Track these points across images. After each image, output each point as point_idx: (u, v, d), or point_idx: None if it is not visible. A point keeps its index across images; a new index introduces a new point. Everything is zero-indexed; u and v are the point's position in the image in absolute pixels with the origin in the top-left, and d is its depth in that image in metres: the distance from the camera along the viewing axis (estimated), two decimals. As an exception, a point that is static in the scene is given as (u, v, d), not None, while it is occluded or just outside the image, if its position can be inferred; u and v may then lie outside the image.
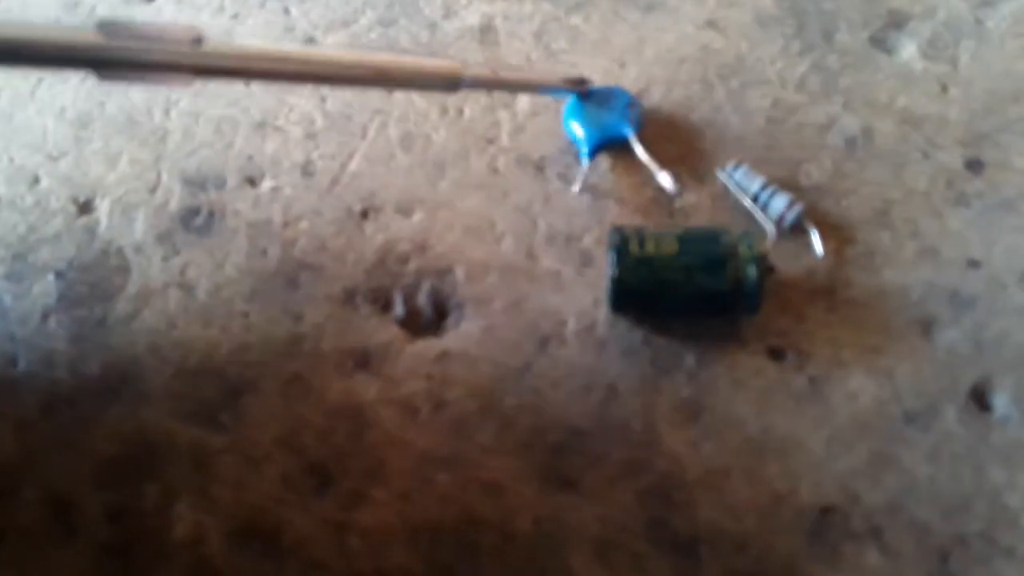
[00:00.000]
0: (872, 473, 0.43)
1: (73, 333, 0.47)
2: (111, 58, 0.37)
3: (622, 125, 0.52)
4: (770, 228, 0.49)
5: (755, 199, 0.50)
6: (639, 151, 0.51)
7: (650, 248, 0.45)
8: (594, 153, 0.52)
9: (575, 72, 0.56)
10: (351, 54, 0.45)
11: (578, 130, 0.52)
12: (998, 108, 0.54)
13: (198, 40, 0.39)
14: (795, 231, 0.50)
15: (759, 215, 0.50)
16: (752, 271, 0.44)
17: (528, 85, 0.53)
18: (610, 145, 0.53)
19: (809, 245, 0.49)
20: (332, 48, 0.45)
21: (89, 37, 0.36)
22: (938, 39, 0.58)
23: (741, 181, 0.51)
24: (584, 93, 0.53)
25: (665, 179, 0.50)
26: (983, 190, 0.51)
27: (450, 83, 0.46)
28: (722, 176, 0.52)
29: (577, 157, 0.53)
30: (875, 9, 0.59)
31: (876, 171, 0.52)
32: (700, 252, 0.44)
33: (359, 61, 0.44)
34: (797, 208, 0.49)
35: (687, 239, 0.45)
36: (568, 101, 0.54)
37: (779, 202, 0.49)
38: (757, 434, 0.44)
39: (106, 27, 0.36)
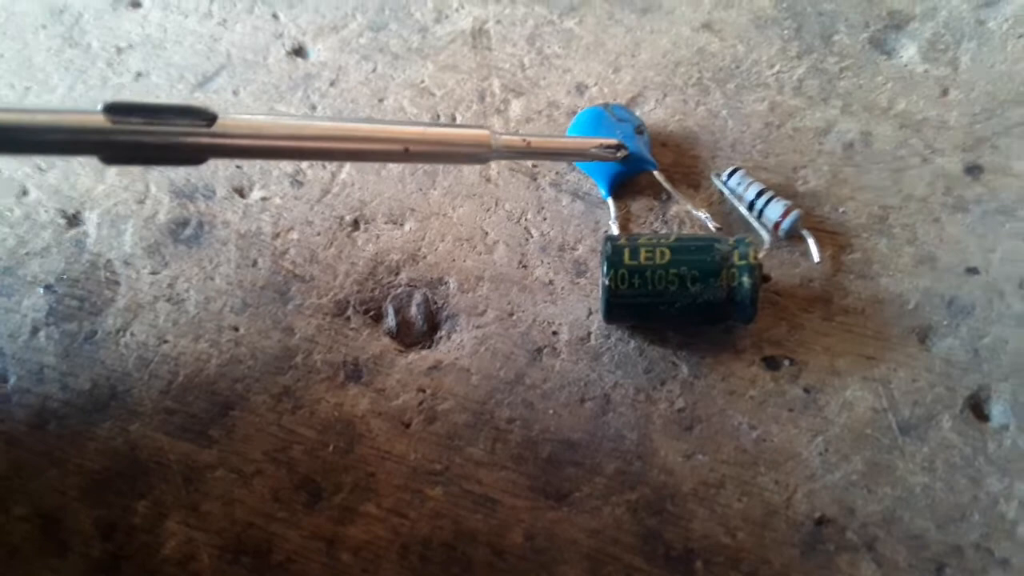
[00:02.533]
0: (867, 484, 0.42)
1: (63, 347, 0.47)
2: (118, 143, 0.35)
3: (643, 160, 0.51)
4: (766, 235, 0.49)
5: (751, 206, 0.50)
6: (667, 185, 0.50)
7: (643, 257, 0.44)
8: (615, 187, 0.51)
9: (574, 80, 0.55)
10: (375, 128, 0.41)
11: (587, 170, 0.52)
12: (998, 111, 0.54)
13: (210, 119, 0.36)
14: (792, 238, 0.49)
15: (755, 222, 0.49)
16: (746, 280, 0.43)
17: (562, 153, 0.50)
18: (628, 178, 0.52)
19: (806, 252, 0.48)
20: (355, 121, 0.40)
21: (95, 122, 0.34)
22: (939, 40, 0.57)
23: (736, 187, 0.50)
24: (624, 159, 0.50)
25: (703, 216, 0.49)
26: (982, 195, 0.51)
27: (479, 153, 0.43)
28: (717, 182, 0.51)
29: (571, 166, 0.52)
30: (875, 10, 0.59)
31: (874, 176, 0.52)
32: (693, 261, 0.44)
33: (384, 135, 0.41)
34: (794, 215, 0.49)
35: (680, 248, 0.44)
36: (572, 125, 0.53)
37: (775, 209, 0.49)
38: (751, 445, 0.43)
39: (113, 109, 0.34)
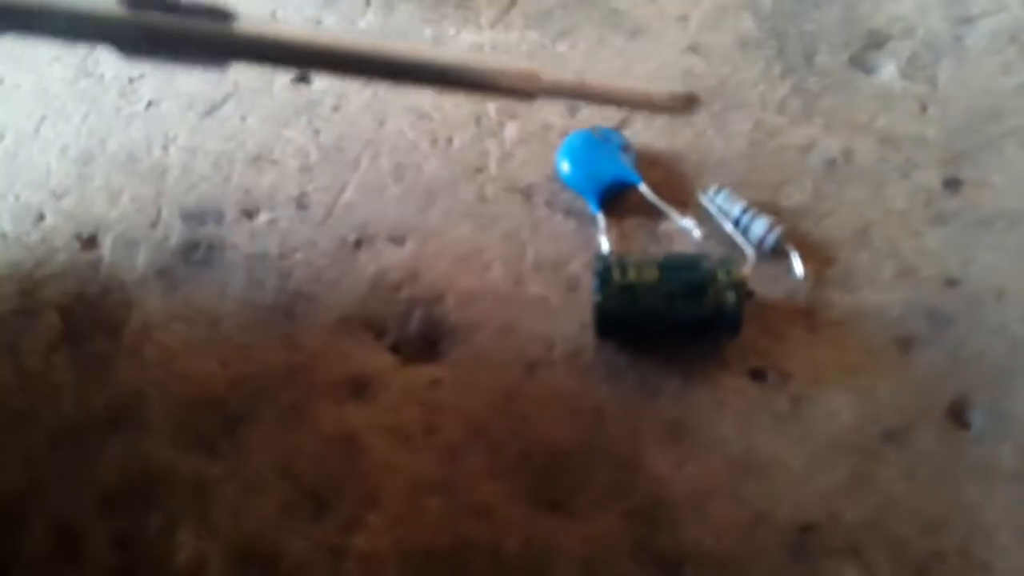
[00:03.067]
0: (851, 491, 0.44)
1: (79, 367, 0.49)
2: (135, 30, 0.34)
3: (626, 173, 0.53)
4: (750, 252, 0.50)
5: (736, 223, 0.51)
6: (652, 198, 0.52)
7: (632, 276, 0.46)
8: (602, 203, 0.53)
9: (566, 102, 0.57)
10: (408, 48, 0.38)
11: (578, 180, 0.53)
12: (976, 126, 0.55)
13: (230, 17, 0.35)
14: (776, 253, 0.51)
15: (740, 239, 0.51)
16: (731, 296, 0.45)
17: (617, 98, 0.41)
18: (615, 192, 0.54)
19: (789, 267, 0.50)
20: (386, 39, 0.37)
21: (113, 9, 0.33)
22: (917, 58, 0.59)
23: (723, 205, 0.52)
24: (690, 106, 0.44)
25: (688, 224, 0.51)
26: (961, 208, 0.52)
27: (528, 87, 0.39)
28: (704, 200, 0.53)
29: (564, 185, 0.54)
30: (855, 29, 0.61)
31: (855, 191, 0.53)
32: (680, 279, 0.46)
33: (417, 58, 0.38)
34: (777, 231, 0.50)
35: (668, 266, 0.46)
36: (563, 148, 0.55)
37: (759, 225, 0.51)
38: (739, 454, 0.45)
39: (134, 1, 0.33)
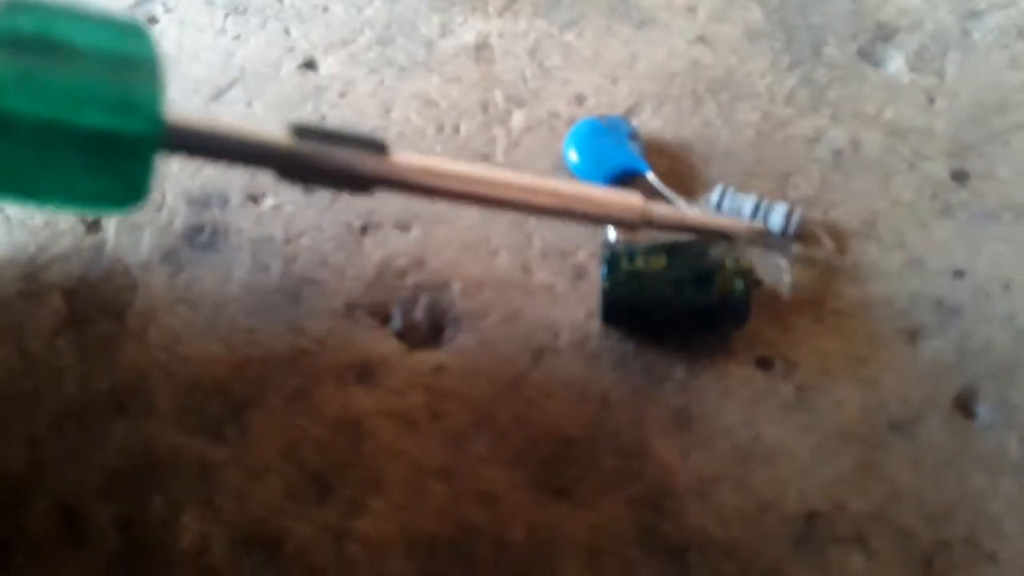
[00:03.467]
0: (857, 480, 0.44)
1: (83, 350, 0.49)
2: (297, 162, 0.36)
3: (634, 161, 0.53)
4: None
5: (753, 216, 0.51)
6: (660, 186, 0.52)
7: (640, 263, 0.46)
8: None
9: (573, 91, 0.57)
10: (537, 182, 0.42)
11: (586, 168, 0.53)
12: (983, 119, 0.55)
13: (382, 149, 0.38)
14: (798, 237, 0.51)
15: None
16: (739, 284, 0.45)
17: (710, 229, 0.47)
18: (623, 181, 0.53)
19: (802, 255, 0.50)
20: (516, 172, 0.42)
21: (281, 138, 0.36)
22: (925, 51, 0.59)
23: (731, 204, 0.52)
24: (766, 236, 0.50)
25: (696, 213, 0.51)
26: (968, 200, 0.52)
27: (632, 221, 0.43)
28: (710, 204, 0.52)
29: (571, 174, 0.54)
30: (863, 22, 0.61)
31: (863, 183, 0.53)
32: (688, 266, 0.45)
33: (544, 189, 0.42)
34: (796, 214, 0.50)
35: (675, 253, 0.46)
36: (570, 136, 0.55)
37: (778, 213, 0.50)
38: (745, 442, 0.45)
39: (300, 130, 0.36)
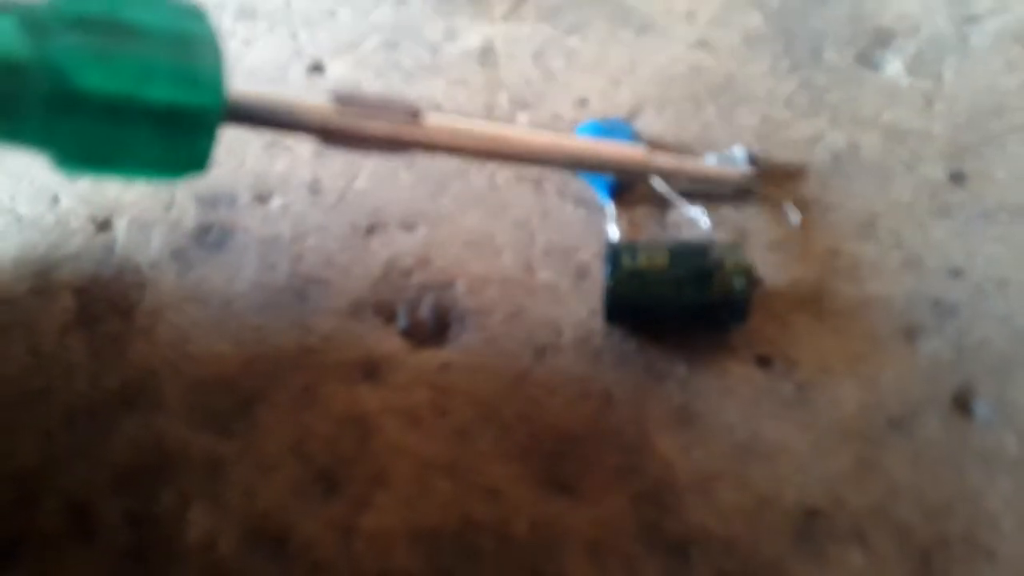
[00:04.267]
0: (856, 477, 0.44)
1: (93, 347, 0.49)
2: (339, 128, 0.40)
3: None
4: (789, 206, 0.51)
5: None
6: (662, 187, 0.53)
7: (642, 262, 0.46)
8: (615, 193, 0.54)
9: (576, 94, 0.58)
10: (551, 139, 0.49)
11: (589, 178, 0.55)
12: (980, 122, 0.56)
13: (415, 114, 0.42)
14: (774, 249, 0.52)
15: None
16: (739, 283, 0.46)
17: (707, 177, 0.53)
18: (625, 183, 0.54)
19: (799, 255, 0.51)
20: (532, 131, 0.51)
21: (324, 107, 0.40)
22: (923, 56, 0.60)
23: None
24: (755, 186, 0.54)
25: (696, 214, 0.52)
26: (965, 201, 0.53)
27: (636, 170, 0.50)
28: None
29: (574, 175, 0.55)
30: (861, 27, 0.62)
31: (861, 184, 0.54)
32: (689, 265, 0.46)
33: (558, 146, 0.48)
34: (755, 150, 0.55)
35: (677, 252, 0.47)
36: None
37: (740, 157, 0.54)
38: (745, 439, 0.46)
39: (341, 97, 0.40)
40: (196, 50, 0.34)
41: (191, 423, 0.47)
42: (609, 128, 0.55)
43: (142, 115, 0.33)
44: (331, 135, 0.40)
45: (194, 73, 0.34)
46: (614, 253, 0.47)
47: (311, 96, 0.40)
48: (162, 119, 0.34)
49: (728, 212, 0.53)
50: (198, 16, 0.36)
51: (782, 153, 0.55)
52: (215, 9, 0.64)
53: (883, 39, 0.61)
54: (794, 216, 0.52)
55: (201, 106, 0.34)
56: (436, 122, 0.43)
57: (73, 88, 0.31)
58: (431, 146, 0.44)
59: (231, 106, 0.36)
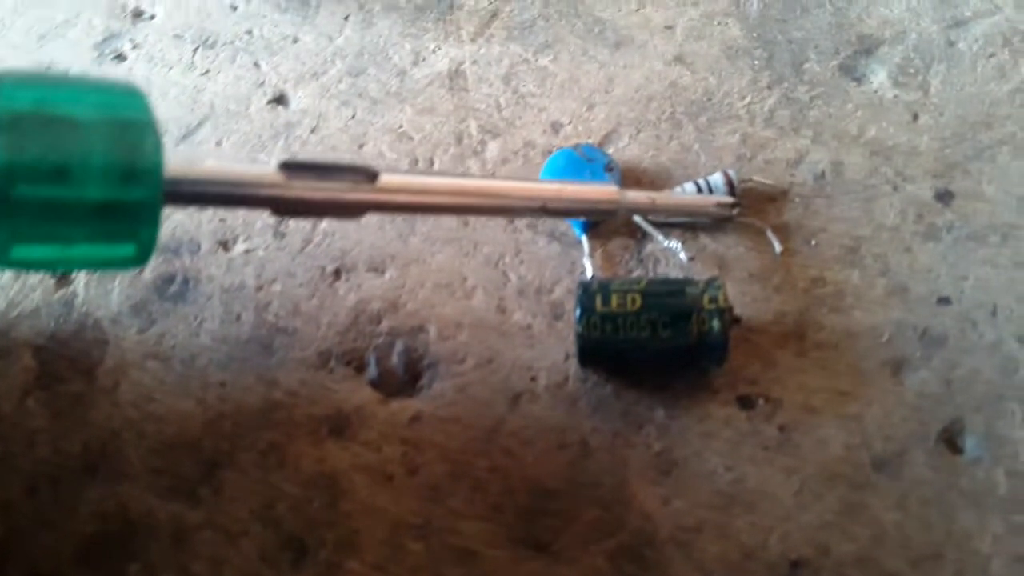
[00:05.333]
0: (842, 523, 0.43)
1: (54, 410, 0.48)
2: (290, 199, 0.37)
3: None
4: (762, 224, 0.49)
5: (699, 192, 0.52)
6: (637, 219, 0.51)
7: (614, 304, 0.45)
8: (589, 226, 0.52)
9: (549, 118, 0.56)
10: (517, 186, 0.45)
11: None
12: (969, 135, 0.54)
13: (371, 176, 0.39)
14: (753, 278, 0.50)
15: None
16: (716, 324, 0.44)
17: (682, 210, 0.51)
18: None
19: (779, 285, 0.49)
20: (499, 180, 0.48)
21: (273, 178, 0.37)
22: (908, 64, 0.57)
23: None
24: (735, 212, 0.51)
25: (674, 246, 0.50)
26: (953, 222, 0.51)
27: (609, 210, 0.46)
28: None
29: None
30: (844, 35, 0.59)
31: (845, 207, 0.52)
32: (664, 307, 0.44)
33: (525, 192, 0.44)
34: (733, 174, 0.52)
35: (651, 293, 0.45)
36: (545, 168, 0.54)
37: (718, 183, 0.52)
38: (727, 487, 0.44)
39: (288, 167, 0.37)
40: (132, 137, 0.32)
41: (156, 489, 0.45)
42: (583, 156, 0.53)
43: (79, 215, 0.32)
44: (282, 207, 0.38)
45: (130, 164, 0.32)
46: (585, 295, 0.45)
47: (258, 167, 0.37)
48: (101, 216, 0.32)
49: (707, 241, 0.51)
50: (133, 97, 0.34)
51: (763, 175, 0.53)
52: (174, 41, 0.62)
53: (867, 47, 0.58)
54: (776, 244, 0.50)
55: (139, 200, 0.32)
56: (392, 182, 0.40)
57: (5, 194, 0.30)
58: (389, 208, 0.42)
59: (173, 190, 0.34)
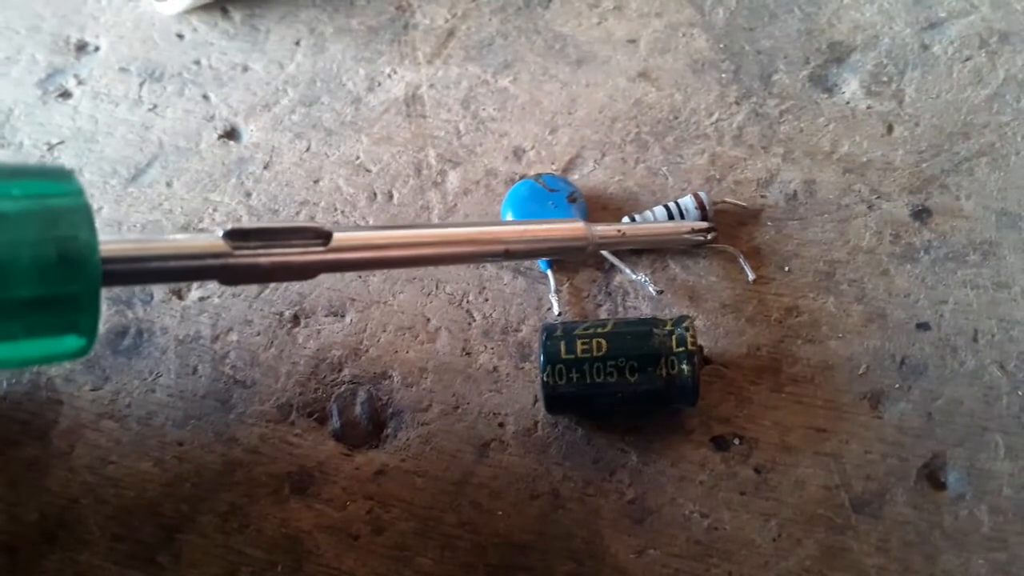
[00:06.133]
0: (821, 568, 0.42)
1: (9, 476, 0.46)
2: (239, 267, 0.36)
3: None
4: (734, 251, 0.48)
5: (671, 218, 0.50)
6: (607, 254, 0.49)
7: (579, 350, 0.43)
8: (553, 261, 0.50)
9: (511, 144, 0.54)
10: (478, 231, 0.43)
11: None
12: (945, 146, 0.52)
13: (324, 236, 0.37)
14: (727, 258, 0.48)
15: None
16: (685, 368, 0.42)
17: (655, 238, 0.49)
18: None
19: (751, 317, 0.48)
20: (458, 226, 0.46)
21: (218, 247, 0.35)
22: (882, 72, 0.55)
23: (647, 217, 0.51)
24: (710, 238, 0.49)
25: (642, 279, 0.48)
26: (931, 241, 0.49)
27: (578, 246, 0.45)
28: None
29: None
30: (814, 42, 0.57)
31: (819, 229, 0.50)
32: (630, 349, 0.43)
33: (487, 237, 0.43)
34: (704, 196, 0.50)
35: (617, 336, 0.43)
36: (507, 200, 0.52)
37: (689, 207, 0.50)
38: (703, 535, 0.43)
39: (234, 235, 0.35)
40: (64, 226, 0.31)
41: (116, 556, 0.44)
42: (546, 187, 0.51)
43: (13, 315, 0.30)
44: (230, 276, 0.36)
45: (64, 256, 0.30)
46: (548, 342, 0.43)
47: (203, 238, 0.35)
48: (37, 310, 0.30)
49: (678, 270, 0.50)
50: (63, 182, 0.32)
51: (734, 196, 0.51)
52: (120, 75, 0.60)
53: (838, 55, 0.56)
54: (749, 272, 0.49)
55: (74, 293, 0.31)
56: (346, 240, 0.38)
57: None
58: (345, 267, 0.40)
59: (112, 273, 0.32)
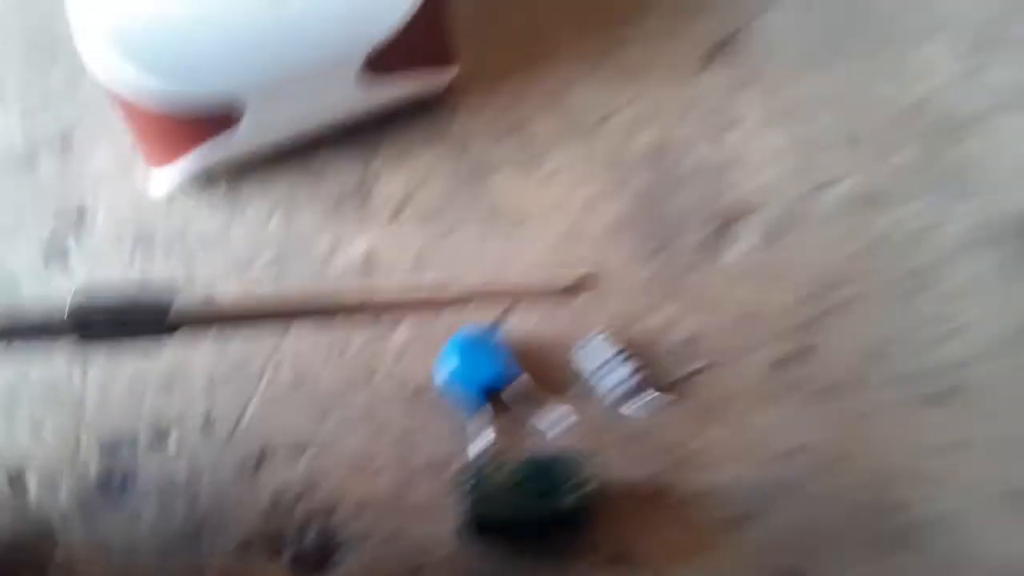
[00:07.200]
0: None
1: (8, 613, 0.53)
2: (86, 344, 0.39)
3: (501, 371, 0.58)
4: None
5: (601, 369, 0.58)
6: (528, 391, 0.58)
7: (496, 482, 0.51)
8: (483, 400, 0.58)
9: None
10: (359, 290, 0.48)
11: (459, 381, 0.58)
12: (822, 293, 0.60)
13: (173, 292, 0.40)
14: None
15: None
16: (571, 499, 0.50)
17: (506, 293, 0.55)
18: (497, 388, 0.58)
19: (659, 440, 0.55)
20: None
21: (64, 327, 0.39)
22: (773, 229, 0.64)
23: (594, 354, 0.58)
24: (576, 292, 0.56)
25: (560, 415, 0.57)
26: (810, 375, 0.57)
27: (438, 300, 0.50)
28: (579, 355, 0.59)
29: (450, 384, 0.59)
30: (721, 203, 0.65)
31: (707, 372, 0.58)
32: (533, 487, 0.51)
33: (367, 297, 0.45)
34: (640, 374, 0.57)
35: (523, 471, 0.52)
36: (445, 350, 0.60)
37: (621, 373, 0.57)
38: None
39: (78, 311, 0.38)
40: None
41: None
42: (478, 337, 0.59)
43: None
44: (83, 346, 0.40)
45: None
46: (466, 481, 0.51)
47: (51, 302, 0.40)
48: None
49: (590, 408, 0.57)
50: None
51: (639, 341, 0.59)
52: (115, 237, 0.69)
53: (739, 214, 0.65)
54: (646, 411, 0.56)
55: None
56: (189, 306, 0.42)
57: None
58: (201, 320, 0.43)
59: None
